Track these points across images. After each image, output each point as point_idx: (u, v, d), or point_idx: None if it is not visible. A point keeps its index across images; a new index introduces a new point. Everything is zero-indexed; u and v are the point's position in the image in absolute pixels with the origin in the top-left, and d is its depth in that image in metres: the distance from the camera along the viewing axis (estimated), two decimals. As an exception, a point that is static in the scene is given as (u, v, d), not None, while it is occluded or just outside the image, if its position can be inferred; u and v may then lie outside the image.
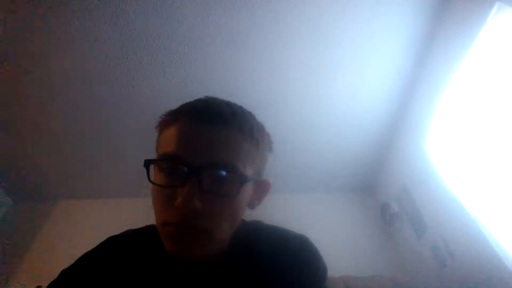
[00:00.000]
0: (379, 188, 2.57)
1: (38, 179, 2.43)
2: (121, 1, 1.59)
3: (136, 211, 2.28)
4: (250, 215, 0.62)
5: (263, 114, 0.58)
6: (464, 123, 1.67)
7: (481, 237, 1.50)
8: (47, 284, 0.53)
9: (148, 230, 0.61)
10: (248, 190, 0.51)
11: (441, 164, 1.82)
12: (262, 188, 0.57)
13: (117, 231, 0.62)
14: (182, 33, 1.72)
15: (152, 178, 0.49)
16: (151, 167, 0.50)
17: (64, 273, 0.54)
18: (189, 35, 1.73)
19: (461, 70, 1.65)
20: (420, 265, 1.99)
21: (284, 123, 2.12)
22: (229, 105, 0.52)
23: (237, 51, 1.82)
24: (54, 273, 0.55)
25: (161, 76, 1.88)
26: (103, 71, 1.84)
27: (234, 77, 1.91)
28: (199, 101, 0.53)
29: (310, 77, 1.95)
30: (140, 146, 2.19)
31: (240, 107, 0.54)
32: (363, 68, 1.93)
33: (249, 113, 0.55)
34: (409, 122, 2.13)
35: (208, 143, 0.47)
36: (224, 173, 0.47)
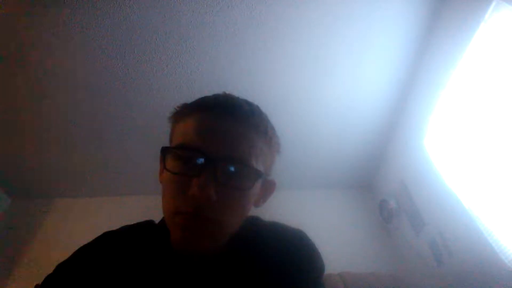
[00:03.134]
0: (377, 184, 2.58)
1: (37, 177, 2.43)
2: (119, -2, 1.59)
3: (135, 209, 2.29)
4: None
5: (261, 112, 0.58)
6: (463, 119, 1.68)
7: (478, 233, 1.51)
8: (46, 281, 0.53)
9: (144, 225, 0.62)
10: (257, 186, 0.53)
11: (439, 161, 1.83)
12: (268, 187, 0.59)
13: (115, 229, 0.62)
14: (180, 30, 1.72)
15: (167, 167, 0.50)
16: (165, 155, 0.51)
17: (60, 267, 0.54)
18: (187, 32, 1.72)
19: (460, 66, 1.65)
20: (418, 262, 2.00)
21: (281, 120, 2.09)
22: (248, 103, 0.54)
23: (235, 49, 1.81)
24: (53, 271, 0.54)
25: (159, 74, 1.87)
26: (101, 69, 1.83)
27: (232, 74, 1.91)
28: (219, 96, 0.55)
29: (308, 74, 1.95)
30: (138, 144, 2.20)
31: (257, 107, 0.56)
32: (361, 64, 1.93)
33: (265, 114, 0.57)
34: (407, 118, 2.13)
35: (227, 137, 0.49)
36: (239, 167, 0.49)
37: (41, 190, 2.51)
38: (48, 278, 0.52)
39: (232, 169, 0.48)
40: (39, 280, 0.53)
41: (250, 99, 0.58)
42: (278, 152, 0.59)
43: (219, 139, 0.48)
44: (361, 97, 2.09)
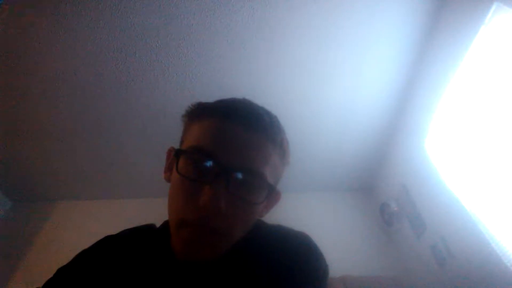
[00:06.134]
0: (378, 187, 2.57)
1: (37, 180, 2.43)
2: (120, 1, 1.60)
3: (135, 212, 2.29)
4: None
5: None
6: (464, 122, 1.67)
7: (480, 236, 1.51)
8: (47, 285, 0.53)
9: (145, 229, 0.61)
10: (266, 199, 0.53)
11: (440, 164, 1.83)
12: (273, 198, 0.58)
13: (116, 232, 0.62)
14: (181, 32, 1.72)
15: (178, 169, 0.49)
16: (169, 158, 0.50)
17: (60, 271, 0.54)
18: (188, 35, 1.73)
19: (460, 69, 1.65)
20: (419, 264, 1.99)
21: (282, 123, 2.11)
22: (268, 114, 0.54)
23: (236, 51, 1.82)
24: (54, 275, 0.54)
25: (160, 76, 1.88)
26: (102, 71, 1.84)
27: (233, 76, 1.91)
28: (239, 103, 0.54)
29: (309, 77, 1.96)
30: (139, 147, 2.20)
31: (275, 117, 0.56)
32: (362, 67, 1.94)
33: (282, 125, 0.57)
34: (408, 121, 2.13)
35: (244, 147, 0.48)
36: (253, 179, 0.48)
37: (42, 193, 2.51)
38: (49, 282, 0.52)
39: (246, 180, 0.47)
40: (40, 284, 0.53)
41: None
42: (288, 164, 0.59)
43: (236, 149, 0.47)
44: (362, 99, 2.09)
